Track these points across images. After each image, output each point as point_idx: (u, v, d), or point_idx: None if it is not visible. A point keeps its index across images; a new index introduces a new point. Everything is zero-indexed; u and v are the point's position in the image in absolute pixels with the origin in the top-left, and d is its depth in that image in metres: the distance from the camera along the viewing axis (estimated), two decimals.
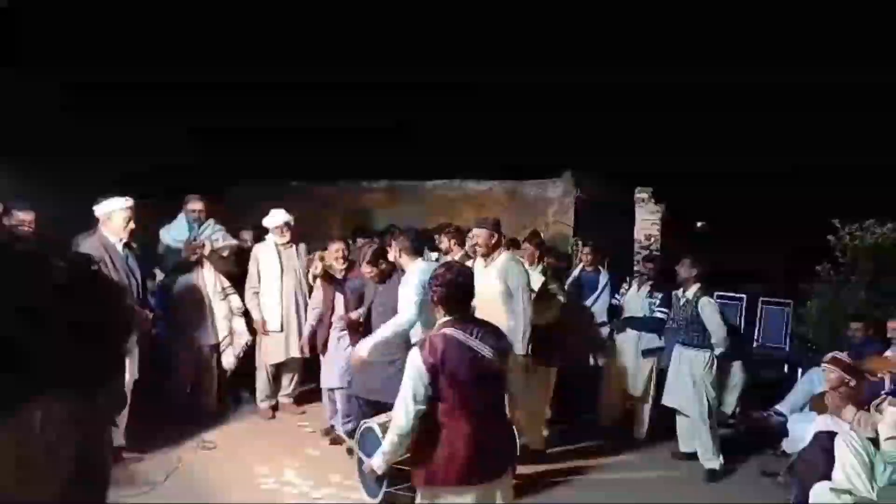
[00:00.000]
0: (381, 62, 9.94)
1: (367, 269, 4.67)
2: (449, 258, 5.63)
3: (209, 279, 5.55)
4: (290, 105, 9.51)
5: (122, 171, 5.55)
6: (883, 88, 8.87)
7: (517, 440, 3.18)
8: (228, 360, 5.70)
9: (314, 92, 9.50)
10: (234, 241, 5.84)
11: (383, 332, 4.08)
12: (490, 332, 2.87)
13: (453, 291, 2.83)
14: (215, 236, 5.64)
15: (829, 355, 4.51)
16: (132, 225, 4.66)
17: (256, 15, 9.31)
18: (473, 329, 2.81)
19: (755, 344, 7.59)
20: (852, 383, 4.31)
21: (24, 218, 4.70)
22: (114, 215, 4.61)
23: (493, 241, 4.64)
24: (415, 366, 2.73)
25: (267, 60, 9.31)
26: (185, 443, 5.18)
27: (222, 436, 5.40)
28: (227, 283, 5.67)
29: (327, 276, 5.16)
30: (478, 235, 4.67)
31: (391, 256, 4.52)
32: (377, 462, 2.95)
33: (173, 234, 5.60)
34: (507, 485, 2.92)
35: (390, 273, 4.66)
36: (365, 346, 4.05)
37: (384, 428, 3.20)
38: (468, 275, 2.94)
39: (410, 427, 2.75)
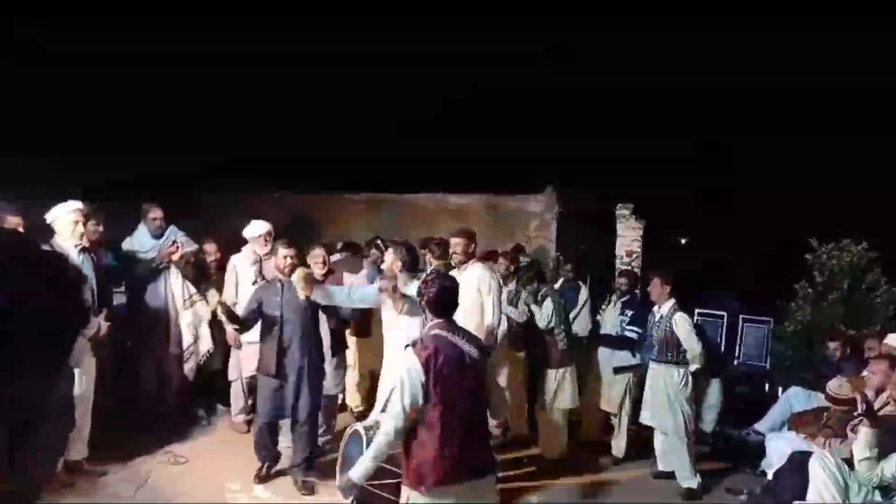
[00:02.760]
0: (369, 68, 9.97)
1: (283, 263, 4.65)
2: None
3: (177, 286, 5.50)
4: (275, 118, 9.49)
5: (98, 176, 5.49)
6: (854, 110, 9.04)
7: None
8: (190, 368, 5.65)
9: (300, 106, 9.50)
10: (195, 246, 5.79)
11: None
12: (470, 336, 3.08)
13: (442, 296, 3.02)
14: (181, 240, 5.59)
15: (836, 381, 4.52)
16: (81, 229, 4.57)
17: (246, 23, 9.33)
18: (458, 331, 3.02)
19: (736, 362, 7.61)
20: (847, 409, 4.31)
21: (13, 221, 4.63)
22: (61, 221, 4.53)
23: (469, 250, 4.93)
24: (411, 365, 2.85)
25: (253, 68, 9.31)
26: (156, 456, 5.08)
27: (195, 449, 5.30)
28: (193, 290, 5.64)
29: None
30: (456, 244, 4.92)
31: (385, 266, 4.56)
32: (360, 471, 2.91)
33: (136, 243, 5.51)
34: (491, 485, 3.04)
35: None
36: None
37: (368, 430, 3.29)
38: (454, 282, 3.13)
39: (402, 430, 2.83)
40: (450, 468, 2.80)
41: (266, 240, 5.74)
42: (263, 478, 4.80)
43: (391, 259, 4.47)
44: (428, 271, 5.10)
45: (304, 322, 4.63)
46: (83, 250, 4.62)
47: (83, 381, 4.51)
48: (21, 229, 4.67)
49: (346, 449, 3.51)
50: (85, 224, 4.61)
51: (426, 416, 2.82)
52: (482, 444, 2.99)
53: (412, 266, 4.50)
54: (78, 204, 4.57)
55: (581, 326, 6.17)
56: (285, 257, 4.67)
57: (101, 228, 5.17)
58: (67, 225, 4.52)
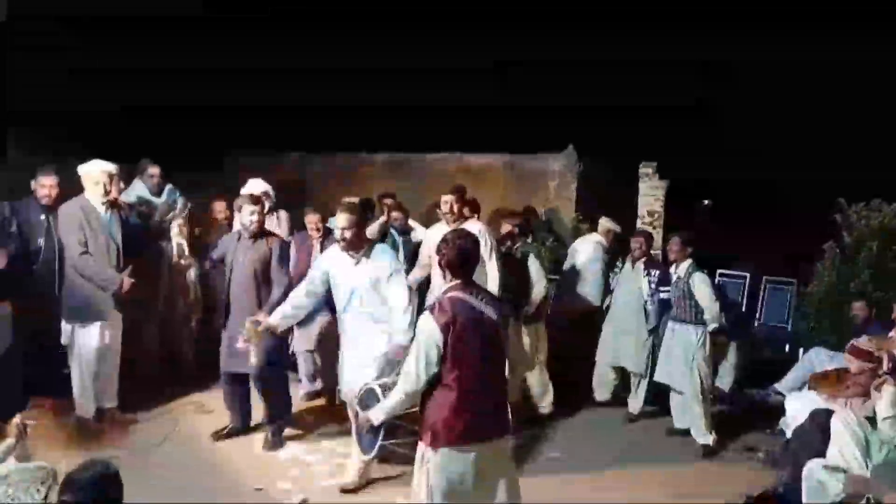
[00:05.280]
0: (384, 35, 9.80)
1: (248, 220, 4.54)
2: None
3: (177, 245, 5.58)
4: (290, 77, 9.36)
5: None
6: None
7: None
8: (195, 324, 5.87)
9: (316, 64, 9.37)
10: (189, 204, 5.82)
11: None
12: (490, 298, 3.04)
13: (462, 257, 2.94)
14: (180, 201, 5.68)
15: (849, 344, 4.45)
16: (110, 189, 4.65)
17: None
18: (477, 294, 2.97)
19: (757, 323, 7.53)
20: (872, 367, 4.23)
21: (46, 182, 4.81)
22: (90, 178, 4.61)
23: (458, 207, 5.01)
24: (427, 328, 2.83)
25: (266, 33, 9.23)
26: (182, 406, 5.30)
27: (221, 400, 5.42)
28: (186, 251, 5.67)
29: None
30: (445, 202, 5.03)
31: None
32: (377, 413, 3.11)
33: (133, 197, 5.54)
34: (507, 447, 3.08)
35: (263, 234, 4.65)
36: None
37: (384, 388, 3.39)
38: (475, 242, 3.06)
39: (420, 388, 2.87)
40: (465, 429, 2.83)
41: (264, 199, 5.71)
42: (221, 436, 4.73)
43: None
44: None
45: (252, 276, 4.51)
46: (110, 206, 4.71)
47: (107, 334, 4.68)
48: (56, 189, 4.82)
49: (361, 406, 3.51)
50: (110, 186, 4.68)
51: (443, 378, 2.84)
52: (499, 406, 2.99)
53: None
54: (108, 166, 4.65)
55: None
56: (251, 213, 4.56)
57: (123, 186, 5.25)
58: (91, 184, 4.62)
